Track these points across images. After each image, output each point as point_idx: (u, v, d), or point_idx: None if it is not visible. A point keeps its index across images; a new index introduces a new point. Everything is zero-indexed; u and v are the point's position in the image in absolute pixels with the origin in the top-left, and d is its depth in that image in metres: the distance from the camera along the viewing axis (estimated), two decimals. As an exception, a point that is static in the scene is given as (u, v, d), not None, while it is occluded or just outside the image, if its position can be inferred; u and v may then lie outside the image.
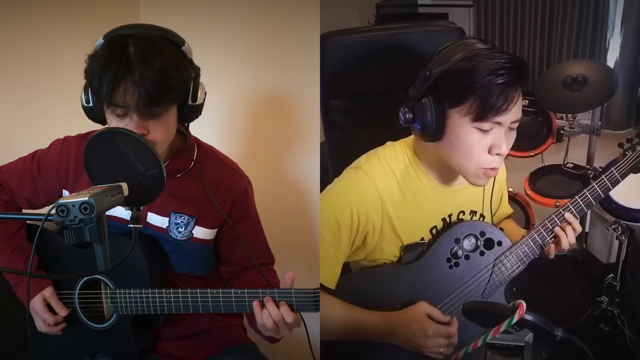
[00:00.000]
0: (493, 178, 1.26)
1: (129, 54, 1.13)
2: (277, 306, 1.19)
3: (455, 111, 1.15)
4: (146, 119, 1.16)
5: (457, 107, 1.15)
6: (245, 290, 1.23)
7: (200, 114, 1.28)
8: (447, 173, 1.28)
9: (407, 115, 1.20)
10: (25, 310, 1.34)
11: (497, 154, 1.17)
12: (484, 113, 1.12)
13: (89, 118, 1.25)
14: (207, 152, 1.40)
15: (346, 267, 1.31)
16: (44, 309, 1.33)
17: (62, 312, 1.34)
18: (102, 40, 1.18)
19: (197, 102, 1.24)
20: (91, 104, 1.21)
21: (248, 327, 1.46)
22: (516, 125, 1.17)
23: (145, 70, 1.12)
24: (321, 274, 1.24)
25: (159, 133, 1.20)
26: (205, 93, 1.26)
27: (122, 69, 1.12)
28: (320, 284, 1.23)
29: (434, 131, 1.17)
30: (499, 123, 1.14)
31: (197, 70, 1.25)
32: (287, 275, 1.22)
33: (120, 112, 1.16)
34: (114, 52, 1.14)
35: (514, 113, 1.14)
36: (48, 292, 1.33)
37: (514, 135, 1.19)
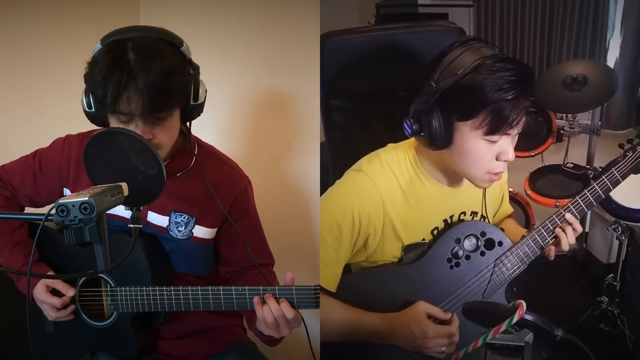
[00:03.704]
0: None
1: (129, 61, 1.13)
2: (278, 303, 1.19)
3: (465, 124, 1.15)
4: (152, 125, 1.17)
5: (467, 121, 1.14)
6: (246, 287, 1.23)
7: (202, 112, 1.28)
8: (449, 175, 1.28)
9: (413, 127, 1.20)
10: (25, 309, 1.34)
11: (505, 160, 1.18)
12: (496, 128, 1.12)
13: (91, 122, 1.25)
14: (208, 152, 1.40)
15: (346, 267, 1.31)
16: (49, 295, 1.32)
17: (70, 292, 1.32)
18: (100, 46, 1.18)
19: (198, 101, 1.24)
20: (93, 110, 1.21)
21: (248, 328, 1.46)
22: (520, 130, 1.18)
23: (148, 76, 1.12)
24: (321, 276, 1.24)
25: (164, 136, 1.20)
26: (206, 91, 1.27)
27: (125, 77, 1.11)
28: (320, 287, 1.23)
29: (442, 142, 1.17)
30: (507, 134, 1.15)
31: (196, 69, 1.25)
32: (287, 275, 1.22)
33: (124, 119, 1.16)
34: (115, 60, 1.13)
35: (522, 123, 1.15)
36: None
37: (516, 137, 1.20)
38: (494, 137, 1.14)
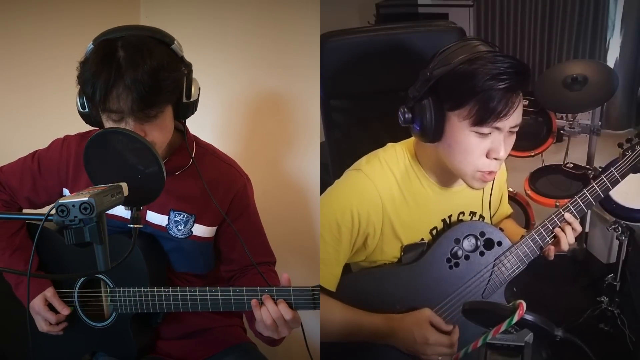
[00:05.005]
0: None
1: (119, 59, 1.13)
2: (276, 304, 1.19)
3: (455, 114, 1.15)
4: (142, 123, 1.17)
5: (457, 110, 1.14)
6: (244, 289, 1.22)
7: (195, 110, 1.27)
8: (446, 175, 1.28)
9: (406, 116, 1.20)
10: (26, 309, 1.34)
11: (495, 159, 1.17)
12: (483, 118, 1.12)
13: (86, 123, 1.25)
14: (206, 150, 1.40)
15: (346, 267, 1.31)
16: (45, 309, 1.33)
17: (65, 310, 1.34)
18: (92, 46, 1.18)
19: (191, 99, 1.24)
20: (86, 110, 1.21)
21: (248, 328, 1.46)
22: (516, 129, 1.17)
23: (136, 74, 1.11)
24: (321, 276, 1.23)
25: (157, 134, 1.20)
26: (199, 88, 1.26)
27: (113, 74, 1.12)
28: (320, 286, 1.23)
29: (432, 132, 1.17)
30: (498, 128, 1.14)
31: (188, 66, 1.24)
32: (282, 276, 1.22)
33: (115, 117, 1.16)
34: (104, 58, 1.13)
35: (513, 118, 1.14)
36: (49, 293, 1.33)
37: (513, 138, 1.19)
38: (483, 129, 1.13)
